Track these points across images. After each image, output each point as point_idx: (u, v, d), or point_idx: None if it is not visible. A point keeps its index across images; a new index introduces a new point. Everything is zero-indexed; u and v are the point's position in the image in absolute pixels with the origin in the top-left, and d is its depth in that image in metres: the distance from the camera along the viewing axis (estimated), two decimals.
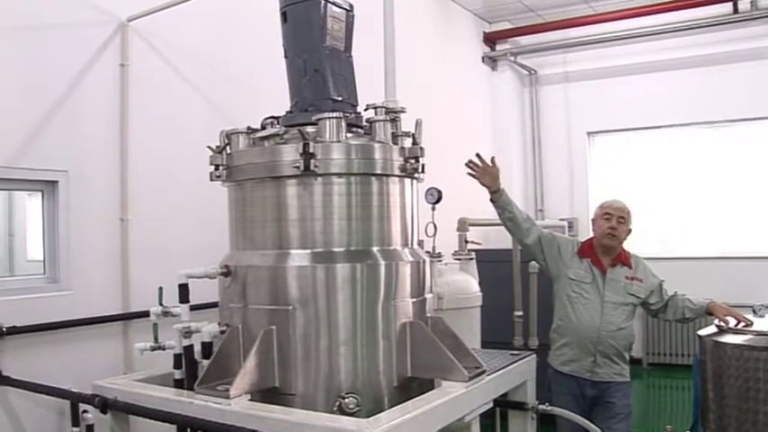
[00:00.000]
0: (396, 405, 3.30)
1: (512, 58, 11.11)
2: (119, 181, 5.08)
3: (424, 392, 3.47)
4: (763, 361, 4.08)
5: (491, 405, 4.00)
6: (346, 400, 3.36)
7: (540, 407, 4.40)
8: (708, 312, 4.67)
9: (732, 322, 4.49)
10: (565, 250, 4.78)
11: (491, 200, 4.73)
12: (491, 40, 11.11)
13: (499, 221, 4.79)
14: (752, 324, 4.44)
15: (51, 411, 4.47)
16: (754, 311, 4.82)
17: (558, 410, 4.41)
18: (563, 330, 4.74)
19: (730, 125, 10.41)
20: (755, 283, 9.02)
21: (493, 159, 4.67)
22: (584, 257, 4.74)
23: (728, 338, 4.33)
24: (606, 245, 4.69)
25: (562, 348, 4.74)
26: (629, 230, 4.77)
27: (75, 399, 4.12)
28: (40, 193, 4.76)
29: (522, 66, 11.35)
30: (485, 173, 4.62)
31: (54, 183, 4.72)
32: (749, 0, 9.67)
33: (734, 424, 4.21)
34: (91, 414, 4.12)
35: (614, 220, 4.70)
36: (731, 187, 10.35)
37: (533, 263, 6.28)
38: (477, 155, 4.64)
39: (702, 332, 4.59)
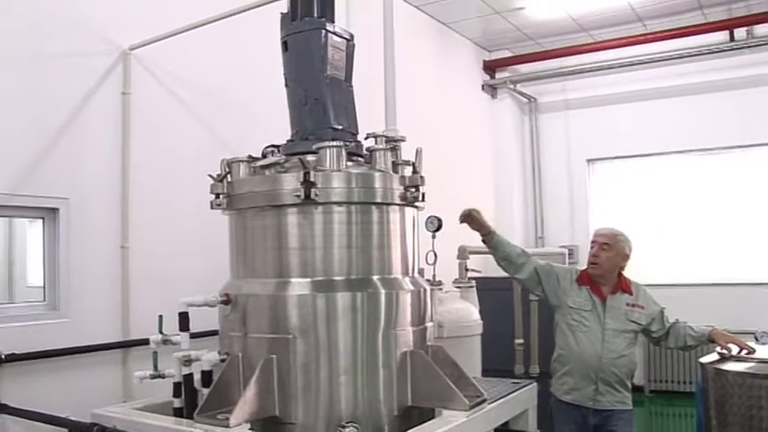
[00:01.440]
0: None
1: (511, 86, 11.16)
2: (119, 208, 5.09)
3: (424, 421, 3.46)
4: (766, 389, 4.06)
5: None
6: (347, 429, 3.34)
7: None
8: (710, 340, 4.64)
9: (735, 350, 4.49)
10: (563, 279, 4.75)
11: (483, 241, 4.76)
12: (491, 68, 11.17)
13: None
14: (754, 351, 4.42)
15: None
16: (756, 338, 4.82)
17: None
18: (564, 359, 4.69)
19: (729, 152, 10.42)
20: (757, 310, 8.98)
21: (475, 210, 4.69)
22: (583, 285, 4.71)
23: (731, 366, 4.32)
24: (590, 274, 4.69)
25: (564, 377, 4.69)
26: (626, 256, 4.71)
27: (74, 427, 4.07)
28: (40, 221, 4.77)
29: (521, 93, 11.39)
30: (472, 221, 4.65)
31: (55, 210, 4.73)
32: (745, 29, 9.75)
33: None
34: None
35: (596, 247, 4.69)
36: (731, 214, 10.33)
37: None
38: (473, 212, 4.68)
39: (704, 360, 4.57)
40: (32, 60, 4.62)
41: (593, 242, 4.74)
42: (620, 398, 4.60)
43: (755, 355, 4.38)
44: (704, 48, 9.95)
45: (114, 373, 4.98)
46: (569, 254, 10.41)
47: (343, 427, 3.35)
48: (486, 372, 5.21)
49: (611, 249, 4.65)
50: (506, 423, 4.27)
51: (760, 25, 9.66)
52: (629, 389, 4.67)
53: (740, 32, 9.78)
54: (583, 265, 4.87)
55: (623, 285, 4.71)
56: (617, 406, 4.58)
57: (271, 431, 3.35)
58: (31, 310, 4.67)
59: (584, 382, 4.58)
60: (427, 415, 3.63)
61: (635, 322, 4.64)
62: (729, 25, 9.77)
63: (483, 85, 11.06)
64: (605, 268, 4.66)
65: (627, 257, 4.73)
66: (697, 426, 4.69)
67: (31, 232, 4.92)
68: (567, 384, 4.66)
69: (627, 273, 4.78)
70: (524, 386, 4.40)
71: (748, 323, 6.97)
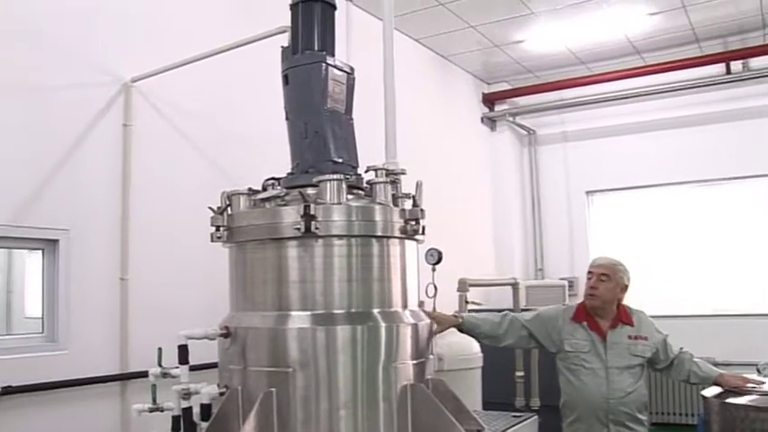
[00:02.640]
0: None
1: (510, 119, 11.24)
2: (119, 240, 5.10)
3: None
4: None
5: None
6: None
7: None
8: (715, 383, 4.54)
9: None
10: (556, 321, 4.63)
11: (459, 331, 4.58)
12: (490, 100, 11.25)
13: (500, 282, 4.78)
14: (764, 384, 4.38)
15: None
16: (758, 371, 4.78)
17: None
18: (572, 405, 4.55)
19: (727, 183, 10.47)
20: (758, 342, 8.94)
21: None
22: (580, 322, 4.59)
23: (734, 399, 4.29)
24: (590, 305, 4.58)
25: (574, 424, 4.54)
26: (625, 287, 4.60)
27: None
28: (40, 251, 4.77)
29: (520, 126, 11.46)
30: (439, 323, 4.24)
31: (55, 241, 4.74)
32: (741, 61, 9.85)
33: None
34: None
35: (594, 278, 4.57)
36: (730, 245, 10.35)
37: None
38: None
39: (707, 392, 4.55)
40: (34, 91, 4.66)
41: (589, 272, 4.64)
42: None
43: (760, 388, 4.35)
44: (701, 80, 10.03)
45: (112, 406, 4.96)
46: (569, 286, 10.41)
47: None
48: (487, 405, 5.19)
49: (609, 280, 4.55)
50: None
51: (755, 58, 9.77)
52: (643, 423, 4.51)
53: (736, 65, 9.89)
54: (582, 296, 4.78)
55: (623, 317, 4.58)
56: None
57: None
58: (29, 341, 4.66)
59: (595, 427, 4.43)
60: None
61: (639, 356, 4.50)
62: (725, 58, 9.87)
63: (482, 118, 11.14)
64: (604, 299, 4.55)
65: (626, 288, 4.62)
66: None
67: (30, 263, 4.91)
68: (579, 431, 4.53)
69: (625, 302, 4.67)
70: (525, 419, 4.38)
71: (749, 354, 6.94)
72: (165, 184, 5.42)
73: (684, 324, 8.94)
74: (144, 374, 4.08)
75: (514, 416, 4.48)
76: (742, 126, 10.05)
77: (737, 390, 4.35)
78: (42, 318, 4.77)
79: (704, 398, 4.56)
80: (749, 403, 4.21)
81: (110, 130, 5.11)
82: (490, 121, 11.29)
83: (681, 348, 4.66)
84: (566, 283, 10.38)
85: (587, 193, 11.38)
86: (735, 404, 4.27)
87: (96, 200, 4.99)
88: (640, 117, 10.71)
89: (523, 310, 5.67)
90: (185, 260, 5.42)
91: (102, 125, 5.06)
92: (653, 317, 4.73)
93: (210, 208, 3.72)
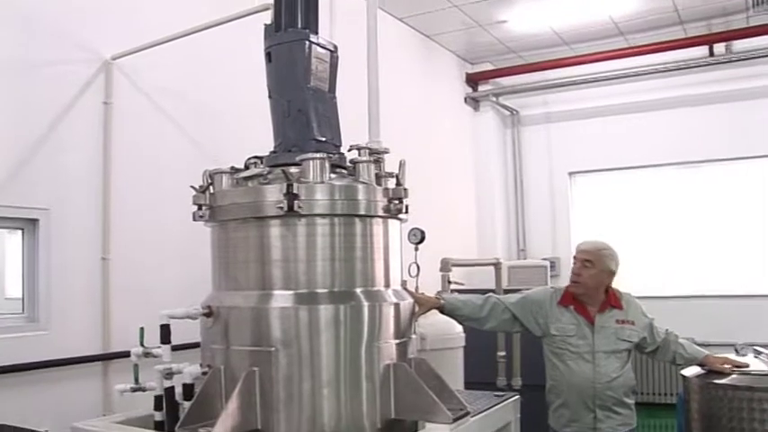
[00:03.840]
0: None
1: (494, 99, 11.23)
2: (101, 219, 5.06)
3: None
4: (747, 400, 4.08)
5: None
6: None
7: None
8: (700, 364, 4.54)
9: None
10: (543, 304, 4.55)
11: (441, 312, 4.52)
12: (473, 80, 11.23)
13: (482, 262, 4.78)
14: (748, 366, 4.41)
15: None
16: (736, 351, 4.82)
17: None
18: (557, 390, 4.51)
19: (709, 165, 10.55)
20: (737, 323, 9.04)
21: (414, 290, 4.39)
22: (567, 306, 4.50)
23: (713, 378, 4.33)
24: (573, 293, 4.49)
25: (560, 410, 4.50)
26: (611, 272, 4.50)
27: None
28: (20, 231, 4.72)
29: (503, 106, 11.46)
30: (420, 305, 4.18)
31: (35, 221, 4.69)
32: (724, 44, 9.89)
33: None
34: None
35: (578, 264, 4.47)
36: (711, 227, 10.46)
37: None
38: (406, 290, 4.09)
39: (686, 372, 4.58)
40: (12, 69, 4.58)
41: (574, 258, 4.54)
42: (622, 419, 4.41)
43: (744, 369, 4.38)
44: (684, 62, 10.07)
45: (94, 387, 4.93)
46: (551, 266, 10.44)
47: None
48: (469, 384, 5.21)
49: (593, 266, 4.43)
50: None
51: (738, 41, 9.82)
52: (630, 406, 4.47)
53: (719, 48, 9.92)
54: (565, 279, 4.74)
55: (612, 301, 4.51)
56: (619, 429, 4.40)
57: None
58: (10, 322, 4.61)
59: (581, 412, 4.39)
60: (410, 428, 3.64)
61: (626, 340, 4.44)
62: (709, 41, 9.90)
63: (466, 98, 11.12)
64: (588, 286, 4.46)
65: (613, 274, 4.51)
66: None
67: (10, 242, 4.86)
68: (564, 417, 4.48)
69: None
70: (507, 399, 4.40)
71: (728, 335, 7.02)
72: (147, 163, 5.37)
73: (665, 305, 9.01)
74: (126, 354, 4.07)
75: (496, 395, 4.49)
76: (725, 108, 10.12)
77: (722, 371, 4.38)
78: (23, 298, 4.72)
79: (684, 377, 4.60)
80: (727, 382, 4.25)
81: (90, 108, 5.04)
82: (473, 102, 11.27)
83: (666, 330, 4.61)
84: (548, 263, 10.38)
85: (570, 173, 11.42)
86: (713, 383, 4.30)
87: (77, 179, 4.94)
88: (624, 98, 10.74)
89: (506, 290, 5.68)
90: (167, 239, 5.38)
91: (83, 103, 4.99)
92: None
93: (192, 187, 3.70)
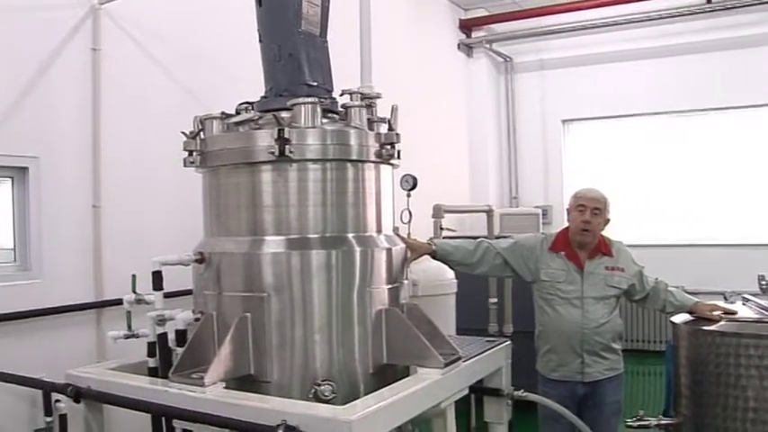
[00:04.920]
0: (371, 392, 3.29)
1: (487, 46, 11.13)
2: (91, 167, 5.02)
3: (399, 379, 3.47)
4: (734, 347, 4.12)
5: (467, 392, 4.01)
6: (322, 387, 3.34)
7: (516, 393, 4.39)
8: (689, 312, 4.53)
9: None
10: (534, 250, 4.55)
11: (433, 258, 4.51)
12: (467, 27, 11.11)
13: (475, 209, 4.76)
14: (736, 313, 4.44)
15: (23, 401, 4.42)
16: (725, 298, 4.85)
17: (533, 397, 4.37)
18: (546, 335, 4.55)
19: (703, 114, 10.53)
20: (726, 271, 9.08)
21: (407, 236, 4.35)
22: (558, 252, 4.50)
23: (701, 325, 4.36)
24: (581, 241, 4.46)
25: (548, 355, 4.55)
26: (608, 220, 4.52)
27: (48, 388, 4.06)
28: (9, 180, 4.69)
29: (497, 53, 11.37)
30: (412, 251, 4.16)
31: (24, 169, 4.66)
32: None
33: (706, 409, 4.25)
34: (64, 403, 4.05)
35: (588, 212, 4.41)
36: (703, 176, 10.49)
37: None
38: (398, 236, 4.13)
39: (676, 319, 4.61)
40: None
41: (581, 206, 4.44)
42: (609, 364, 4.46)
43: (733, 316, 4.41)
44: (682, 9, 9.97)
45: (88, 334, 4.96)
46: (543, 214, 10.51)
47: (319, 385, 3.35)
48: (461, 331, 5.23)
49: (600, 215, 4.44)
50: (481, 381, 4.30)
51: None
52: (617, 352, 4.53)
53: None
54: (557, 226, 4.74)
55: (602, 247, 4.52)
56: (606, 374, 4.45)
57: (246, 389, 3.33)
58: (2, 271, 4.61)
59: (569, 357, 4.43)
60: (402, 373, 3.65)
61: (615, 287, 4.47)
62: None
63: (459, 44, 11.01)
64: (596, 234, 4.46)
65: (609, 221, 4.55)
66: (666, 384, 4.72)
67: (0, 192, 4.83)
68: (552, 362, 4.52)
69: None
70: (498, 344, 4.41)
71: (718, 284, 7.06)
72: (137, 110, 5.32)
73: (655, 253, 9.07)
74: (119, 302, 4.09)
75: (488, 341, 4.50)
76: (722, 57, 10.07)
77: (711, 318, 4.41)
78: (14, 247, 4.71)
79: (673, 324, 4.62)
80: (715, 329, 4.28)
81: (78, 55, 4.97)
82: (467, 48, 11.15)
83: (656, 279, 4.64)
84: (540, 211, 10.46)
85: (563, 121, 11.39)
86: (702, 330, 4.32)
87: (66, 126, 4.89)
88: (618, 46, 10.66)
89: (497, 237, 5.68)
90: (158, 186, 5.36)
91: (70, 49, 4.92)
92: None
93: (183, 133, 3.67)
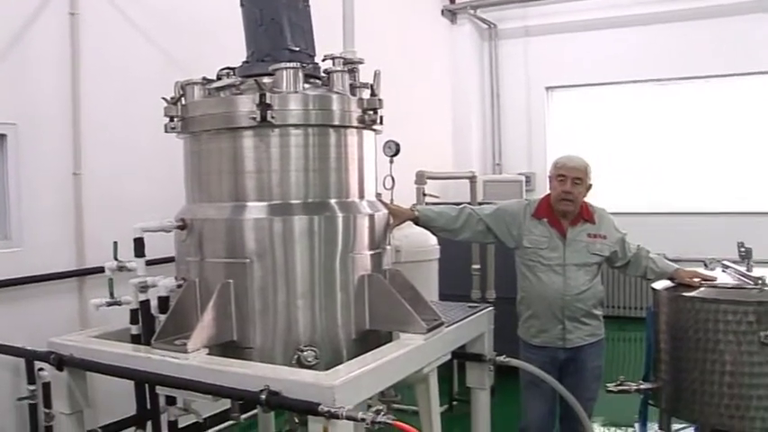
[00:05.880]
0: (354, 357, 3.30)
1: (471, 12, 11.06)
2: (71, 134, 4.98)
3: (382, 345, 3.48)
4: (713, 312, 4.16)
5: (449, 357, 4.04)
6: (305, 352, 3.35)
7: (498, 358, 4.41)
8: (670, 278, 4.56)
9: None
10: (516, 217, 4.56)
11: (415, 224, 4.53)
12: None
13: (458, 175, 4.75)
14: (715, 280, 4.48)
15: (5, 370, 4.43)
16: (705, 265, 4.88)
17: (515, 362, 4.39)
18: (527, 301, 4.58)
19: (686, 82, 10.55)
20: (706, 239, 9.13)
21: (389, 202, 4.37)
22: (541, 218, 4.51)
23: (682, 292, 4.40)
24: (562, 210, 4.47)
25: (530, 320, 4.58)
26: (589, 186, 4.52)
27: (31, 356, 4.06)
28: None
29: (481, 19, 11.30)
30: (395, 217, 4.17)
31: (2, 136, 4.61)
32: None
33: (685, 373, 4.30)
34: (47, 372, 4.06)
35: (569, 182, 4.41)
36: (683, 145, 10.56)
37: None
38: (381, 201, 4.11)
39: (656, 285, 4.64)
40: None
41: (561, 176, 4.44)
42: (590, 330, 4.51)
43: (712, 282, 4.45)
44: None
45: (70, 302, 4.95)
46: (526, 181, 10.53)
47: (302, 350, 3.35)
48: (443, 297, 5.24)
49: (582, 183, 4.44)
50: (463, 347, 4.34)
51: None
52: (598, 318, 4.57)
53: None
54: (540, 193, 4.74)
55: (585, 214, 4.53)
56: (587, 340, 4.50)
57: (229, 356, 3.34)
58: None
59: (550, 323, 4.47)
60: (385, 338, 3.66)
61: (597, 254, 4.49)
62: None
63: (442, 11, 10.95)
64: (578, 203, 4.47)
65: (591, 186, 4.54)
66: (646, 350, 4.77)
67: None
68: (534, 327, 4.55)
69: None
70: (481, 310, 4.43)
71: (698, 251, 7.11)
72: (117, 76, 5.26)
73: (636, 221, 9.10)
74: (101, 270, 4.07)
75: (470, 306, 4.52)
76: (707, 25, 10.08)
77: (691, 284, 4.45)
78: None
79: (654, 290, 4.66)
80: (695, 295, 4.32)
81: (55, 20, 4.89)
82: (450, 14, 11.09)
83: (638, 245, 4.67)
84: (523, 178, 10.49)
85: (547, 88, 11.39)
86: (682, 296, 4.36)
87: (45, 93, 4.83)
88: (604, 13, 10.63)
89: (480, 204, 5.68)
90: (140, 153, 5.32)
91: (47, 14, 4.84)
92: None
93: (164, 98, 3.63)
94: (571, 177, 4.42)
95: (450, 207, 4.67)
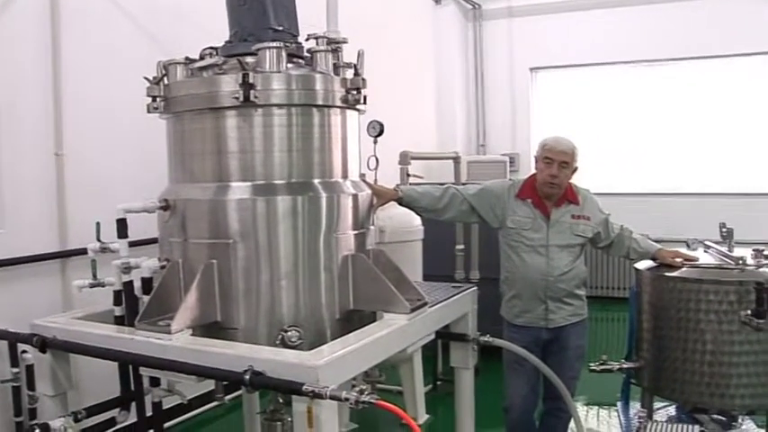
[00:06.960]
0: (338, 337, 3.31)
1: None
2: (53, 114, 4.91)
3: (366, 325, 3.49)
4: (695, 292, 4.21)
5: (433, 337, 4.05)
6: (289, 333, 3.36)
7: (482, 338, 4.44)
8: (653, 258, 4.60)
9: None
10: (500, 197, 4.55)
11: (399, 204, 4.53)
12: None
13: (442, 156, 4.75)
14: (697, 260, 4.52)
15: None
16: (687, 245, 4.93)
17: (499, 342, 4.41)
18: (510, 282, 4.57)
19: (669, 64, 10.56)
20: (688, 219, 9.21)
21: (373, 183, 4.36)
22: (525, 199, 4.50)
23: (665, 271, 4.44)
24: (547, 193, 4.45)
25: (513, 300, 4.58)
26: (575, 169, 4.48)
27: (13, 339, 4.06)
28: None
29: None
30: (379, 197, 4.18)
31: None
32: None
33: (667, 352, 4.35)
34: (30, 354, 4.05)
35: (555, 166, 4.36)
36: (666, 126, 10.59)
37: None
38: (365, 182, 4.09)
39: (639, 265, 4.68)
40: None
41: (549, 158, 4.38)
42: (573, 310, 4.51)
43: (694, 262, 4.50)
44: None
45: (53, 284, 4.91)
46: (510, 162, 10.56)
47: (286, 330, 3.36)
48: (427, 277, 5.27)
49: (568, 167, 4.41)
50: (447, 326, 4.36)
51: None
52: (581, 297, 4.57)
53: None
54: (523, 174, 4.74)
55: (569, 195, 4.52)
56: (570, 320, 4.50)
57: (213, 336, 3.34)
58: None
59: (533, 304, 4.47)
60: (369, 318, 3.68)
61: (580, 235, 4.49)
62: None
63: None
64: (563, 187, 4.45)
65: (576, 169, 4.52)
66: (629, 329, 4.82)
67: None
68: (516, 307, 4.55)
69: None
70: (465, 290, 4.45)
71: (681, 231, 7.16)
72: (99, 55, 5.18)
73: (619, 202, 9.13)
74: (84, 251, 4.05)
75: (454, 286, 4.54)
76: (690, 6, 10.06)
77: (673, 264, 4.49)
78: None
79: (636, 270, 4.70)
80: (677, 275, 4.36)
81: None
82: None
83: (621, 226, 4.69)
84: (507, 158, 10.52)
85: (532, 69, 11.38)
86: (664, 276, 4.41)
87: (26, 73, 4.76)
88: None
89: (464, 184, 5.70)
90: (122, 133, 5.27)
91: None
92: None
93: (146, 78, 3.60)
94: (558, 161, 4.38)
95: (434, 187, 4.66)
